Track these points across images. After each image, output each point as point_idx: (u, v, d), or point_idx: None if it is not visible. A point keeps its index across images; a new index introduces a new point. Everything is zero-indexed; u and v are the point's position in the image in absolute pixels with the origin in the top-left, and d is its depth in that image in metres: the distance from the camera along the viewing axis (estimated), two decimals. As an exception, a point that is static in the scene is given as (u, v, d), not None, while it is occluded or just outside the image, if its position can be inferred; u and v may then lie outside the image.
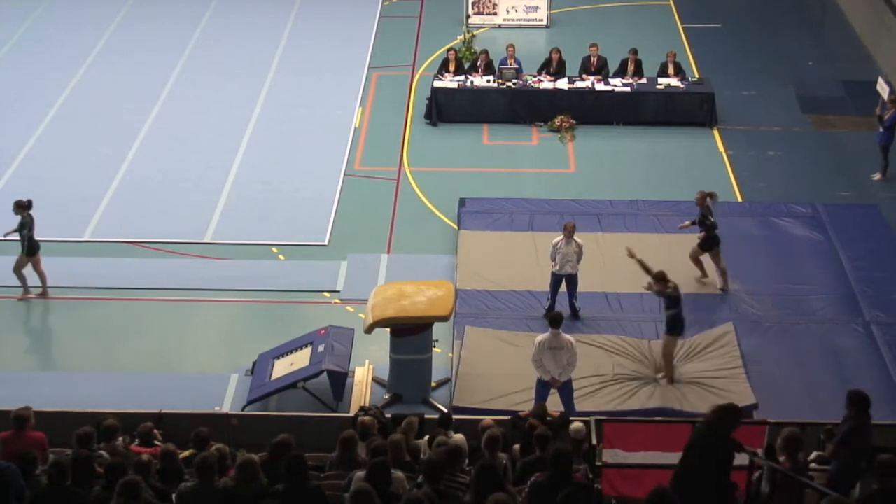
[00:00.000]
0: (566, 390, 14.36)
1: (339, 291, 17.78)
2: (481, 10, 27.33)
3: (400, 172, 21.19)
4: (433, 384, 15.49)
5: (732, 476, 10.11)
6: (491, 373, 15.55)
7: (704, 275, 17.68)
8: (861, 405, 10.28)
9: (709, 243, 17.35)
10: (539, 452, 11.05)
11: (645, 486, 9.52)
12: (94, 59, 25.65)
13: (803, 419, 12.78)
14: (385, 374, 15.55)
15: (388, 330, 15.22)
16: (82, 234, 19.22)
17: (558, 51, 23.35)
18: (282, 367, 15.34)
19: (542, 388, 14.30)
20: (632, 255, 15.68)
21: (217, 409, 14.82)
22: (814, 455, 11.30)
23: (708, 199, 17.30)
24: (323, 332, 15.67)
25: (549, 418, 12.55)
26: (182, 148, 22.02)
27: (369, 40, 26.74)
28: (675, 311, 15.16)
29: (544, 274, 16.89)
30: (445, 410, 14.26)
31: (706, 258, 17.56)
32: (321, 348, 15.25)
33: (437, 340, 15.62)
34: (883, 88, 21.42)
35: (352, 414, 13.68)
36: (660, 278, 15.22)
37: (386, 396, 15.30)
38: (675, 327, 15.22)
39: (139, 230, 19.30)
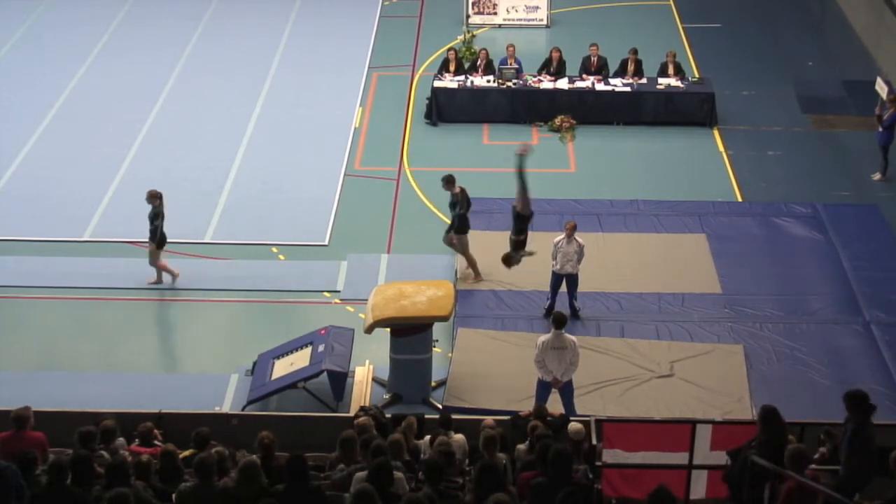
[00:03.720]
0: (567, 391, 14.35)
1: (339, 291, 17.78)
2: (481, 9, 27.33)
3: (400, 172, 21.20)
4: (433, 384, 15.49)
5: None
6: (482, 372, 15.58)
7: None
8: (860, 405, 10.25)
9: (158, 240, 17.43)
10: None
11: (645, 487, 9.52)
12: (94, 60, 25.66)
13: (803, 419, 12.79)
14: (385, 374, 15.55)
15: (388, 330, 15.22)
16: (82, 234, 19.22)
17: (558, 50, 23.36)
18: (282, 367, 15.34)
19: (543, 390, 14.28)
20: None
21: (217, 409, 14.82)
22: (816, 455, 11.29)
23: (157, 199, 17.34)
24: (323, 332, 15.67)
25: (549, 418, 12.56)
26: (182, 148, 22.03)
27: (369, 40, 26.75)
28: None
29: (544, 274, 16.88)
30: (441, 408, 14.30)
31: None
32: (321, 348, 15.25)
33: (437, 340, 15.63)
34: (882, 88, 21.42)
35: (352, 414, 13.68)
36: None
37: (386, 396, 15.30)
38: None
39: (139, 230, 19.25)
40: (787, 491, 9.44)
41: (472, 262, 17.66)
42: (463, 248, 17.62)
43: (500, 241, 18.60)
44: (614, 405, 14.91)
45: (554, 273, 16.66)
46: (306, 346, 15.55)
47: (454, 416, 13.01)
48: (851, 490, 9.81)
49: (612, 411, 14.49)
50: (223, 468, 10.46)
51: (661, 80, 22.88)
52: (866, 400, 10.27)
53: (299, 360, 15.32)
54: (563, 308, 16.29)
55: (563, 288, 16.74)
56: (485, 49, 23.70)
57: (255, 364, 15.71)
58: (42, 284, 17.79)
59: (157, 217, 17.31)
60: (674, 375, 15.62)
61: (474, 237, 18.69)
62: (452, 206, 17.51)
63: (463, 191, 17.45)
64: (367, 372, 15.76)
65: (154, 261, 17.60)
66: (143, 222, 19.41)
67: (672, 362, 15.83)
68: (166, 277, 17.80)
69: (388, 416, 13.42)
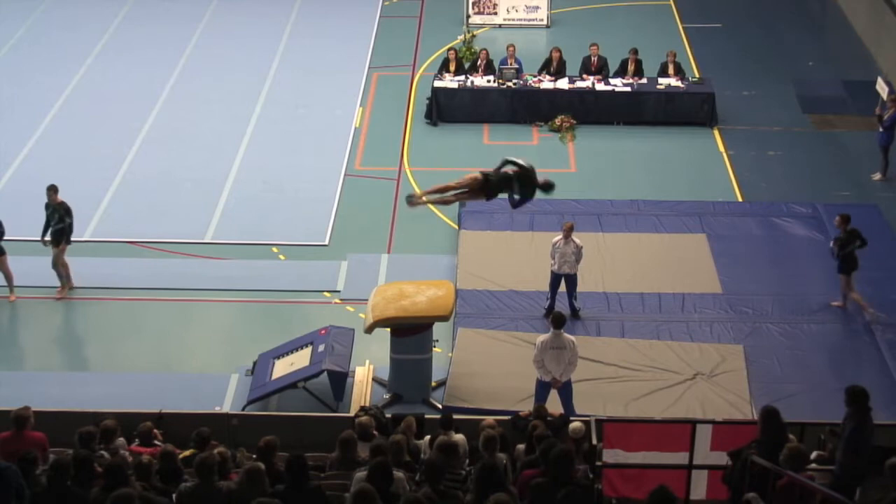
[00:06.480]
0: (566, 391, 14.36)
1: (339, 291, 17.78)
2: (481, 9, 27.33)
3: (400, 172, 21.20)
4: (433, 384, 15.49)
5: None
6: (482, 372, 15.58)
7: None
8: (860, 401, 10.26)
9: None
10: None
11: (645, 487, 9.52)
12: (94, 60, 25.66)
13: (803, 419, 12.79)
14: (385, 374, 15.55)
15: (388, 330, 15.22)
16: (82, 234, 19.19)
17: (559, 50, 23.36)
18: (282, 367, 15.34)
19: (542, 389, 14.29)
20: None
21: (217, 409, 14.82)
22: (814, 455, 11.29)
23: None
24: (323, 331, 15.67)
25: (549, 418, 12.56)
26: (182, 147, 22.02)
27: (369, 40, 26.75)
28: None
29: (544, 274, 16.89)
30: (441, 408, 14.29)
31: None
32: (321, 348, 15.25)
33: (437, 340, 15.63)
34: (882, 88, 21.43)
35: (352, 414, 13.69)
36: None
37: (386, 396, 15.30)
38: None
39: (139, 230, 19.31)
40: (780, 487, 9.46)
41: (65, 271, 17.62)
42: (59, 257, 17.42)
43: (501, 241, 18.68)
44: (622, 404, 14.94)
45: (553, 273, 16.67)
46: (306, 345, 15.55)
47: (454, 416, 13.00)
48: (847, 487, 9.81)
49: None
50: (224, 469, 10.45)
51: (661, 80, 22.88)
52: (866, 396, 10.27)
53: (299, 359, 15.32)
54: (563, 308, 16.31)
55: (563, 288, 16.74)
56: (485, 49, 23.71)
57: (255, 364, 15.72)
58: (43, 284, 17.78)
59: None
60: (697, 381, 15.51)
61: (474, 237, 18.74)
62: (61, 217, 17.24)
63: (63, 203, 17.34)
64: (368, 372, 15.77)
65: None
66: (143, 222, 19.52)
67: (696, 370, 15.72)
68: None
69: (388, 416, 13.43)
